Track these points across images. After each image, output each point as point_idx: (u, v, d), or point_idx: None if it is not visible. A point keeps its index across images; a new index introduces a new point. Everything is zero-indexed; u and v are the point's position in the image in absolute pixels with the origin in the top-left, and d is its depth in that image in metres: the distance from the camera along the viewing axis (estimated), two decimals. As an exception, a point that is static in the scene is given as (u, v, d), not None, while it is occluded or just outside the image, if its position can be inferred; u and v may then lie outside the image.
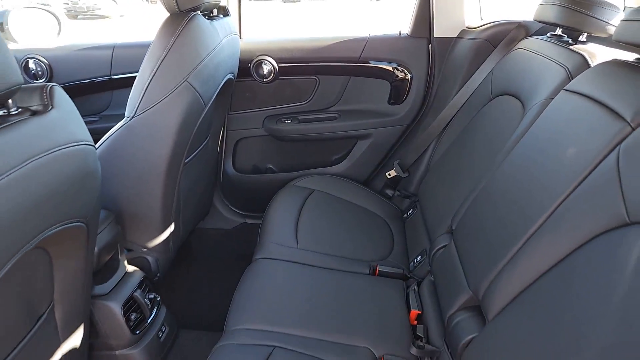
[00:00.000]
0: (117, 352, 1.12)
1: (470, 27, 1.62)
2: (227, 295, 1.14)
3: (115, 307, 1.07)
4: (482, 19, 1.68)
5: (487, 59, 1.48)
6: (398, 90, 1.76)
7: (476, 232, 0.99)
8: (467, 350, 0.85)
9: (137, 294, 1.14)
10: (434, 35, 1.66)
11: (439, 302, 1.04)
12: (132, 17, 12.33)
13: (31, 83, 0.68)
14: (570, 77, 1.04)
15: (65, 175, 0.65)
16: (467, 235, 1.03)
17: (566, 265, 0.71)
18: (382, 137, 1.79)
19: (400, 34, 1.75)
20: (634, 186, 0.66)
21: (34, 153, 0.59)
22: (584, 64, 1.04)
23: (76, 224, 0.72)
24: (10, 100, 0.60)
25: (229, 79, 1.43)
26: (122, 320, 1.08)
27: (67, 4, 11.45)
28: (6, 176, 0.54)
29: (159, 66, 1.06)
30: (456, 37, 1.64)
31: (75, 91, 1.70)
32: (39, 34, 1.75)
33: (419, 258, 1.29)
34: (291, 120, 1.79)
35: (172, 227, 1.29)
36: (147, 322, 1.17)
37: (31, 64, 1.70)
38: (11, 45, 1.58)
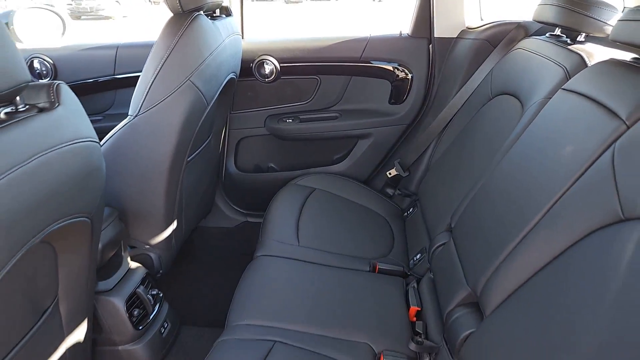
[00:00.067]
0: (120, 348, 1.13)
1: (470, 27, 1.64)
2: (228, 292, 1.15)
3: (119, 302, 1.09)
4: (482, 19, 1.69)
5: (487, 59, 1.49)
6: (399, 90, 1.77)
7: (474, 230, 1.00)
8: (465, 346, 0.86)
9: (140, 290, 1.15)
10: (434, 36, 1.67)
11: (438, 299, 1.06)
12: (135, 18, 12.38)
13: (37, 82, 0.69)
14: (568, 76, 1.05)
15: (71, 171, 0.67)
16: (466, 232, 1.04)
17: (561, 261, 0.73)
18: (382, 136, 1.80)
19: (400, 34, 1.76)
20: (629, 183, 0.67)
21: (41, 149, 0.60)
22: (582, 63, 1.05)
23: (81, 219, 0.73)
24: (18, 98, 0.61)
25: (231, 78, 1.45)
26: (125, 315, 1.10)
27: (71, 4, 11.52)
28: (14, 170, 0.55)
29: (162, 65, 1.07)
30: (456, 37, 1.65)
31: (79, 90, 1.71)
32: (44, 34, 1.77)
33: (418, 256, 1.30)
34: (293, 120, 1.80)
35: (174, 225, 1.31)
36: (149, 318, 1.19)
37: (36, 64, 1.71)
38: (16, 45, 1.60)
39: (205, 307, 1.58)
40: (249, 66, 1.72)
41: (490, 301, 0.83)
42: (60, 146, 0.64)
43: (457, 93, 1.55)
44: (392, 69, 1.75)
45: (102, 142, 1.12)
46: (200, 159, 1.45)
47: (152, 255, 1.27)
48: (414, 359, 0.96)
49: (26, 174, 0.57)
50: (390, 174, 1.75)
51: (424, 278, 1.18)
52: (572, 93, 0.93)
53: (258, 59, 1.73)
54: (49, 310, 0.79)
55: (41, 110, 0.65)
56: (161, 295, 1.26)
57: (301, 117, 1.81)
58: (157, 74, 1.07)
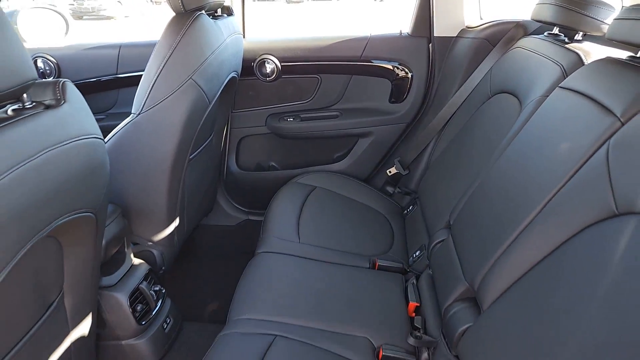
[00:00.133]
0: (123, 342, 1.15)
1: (469, 26, 1.65)
2: (230, 289, 1.16)
3: (122, 297, 1.11)
4: (481, 19, 1.70)
5: (486, 57, 1.50)
6: (399, 89, 1.78)
7: (472, 226, 1.01)
8: (462, 340, 0.87)
9: (143, 285, 1.17)
10: (434, 35, 1.68)
11: (436, 294, 1.07)
12: (137, 18, 12.41)
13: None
14: (565, 74, 1.06)
15: (76, 167, 0.68)
16: (464, 229, 1.05)
17: (556, 256, 0.74)
18: (383, 135, 1.82)
19: (401, 33, 1.77)
20: (623, 179, 0.68)
21: (48, 144, 0.62)
22: (579, 61, 1.07)
23: (86, 214, 0.75)
24: (25, 95, 0.63)
25: (233, 77, 1.46)
26: (129, 310, 1.11)
27: (73, 4, 11.55)
28: (23, 165, 0.57)
29: (165, 64, 1.09)
30: (456, 37, 1.67)
31: (82, 89, 1.71)
32: (47, 33, 1.78)
33: (418, 253, 1.31)
34: (293, 119, 1.82)
35: (177, 222, 1.32)
36: (152, 313, 1.20)
37: (40, 63, 1.73)
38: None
39: (207, 304, 1.60)
40: (250, 65, 1.74)
41: (487, 296, 0.85)
42: (66, 142, 0.66)
43: (456, 92, 1.56)
44: (392, 68, 1.77)
45: (105, 140, 1.13)
46: (202, 157, 1.46)
47: (155, 252, 1.28)
48: (412, 354, 0.97)
49: (34, 169, 0.59)
50: (390, 172, 1.76)
51: (423, 274, 1.19)
52: (569, 91, 0.94)
53: (259, 58, 1.74)
54: (55, 303, 0.81)
55: (47, 107, 0.66)
56: (164, 291, 1.28)
57: (302, 116, 1.83)
58: (160, 73, 1.09)
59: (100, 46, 1.77)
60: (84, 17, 11.80)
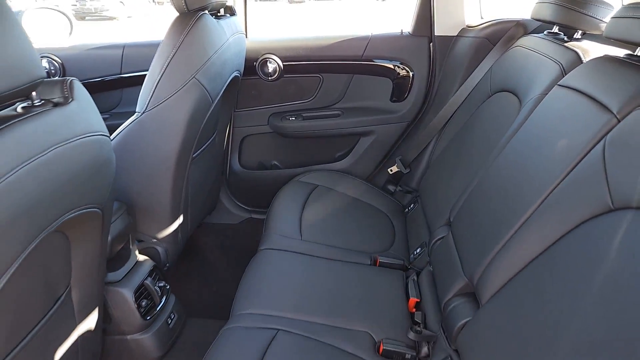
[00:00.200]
0: (128, 337, 1.17)
1: (470, 25, 1.66)
2: (232, 286, 1.18)
3: (127, 293, 1.12)
4: (482, 18, 1.71)
5: (487, 56, 1.52)
6: (400, 88, 1.80)
7: (472, 223, 1.03)
8: (461, 334, 0.89)
9: (148, 281, 1.19)
10: (435, 34, 1.70)
11: (436, 290, 1.08)
12: (139, 19, 12.44)
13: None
14: (564, 72, 1.07)
15: (84, 163, 0.70)
16: (464, 226, 1.07)
17: (553, 251, 0.75)
18: (384, 134, 1.83)
19: (402, 32, 1.79)
20: (618, 175, 0.70)
21: (56, 141, 0.64)
22: (577, 60, 1.08)
23: (93, 209, 0.77)
24: (34, 93, 0.65)
25: (235, 76, 1.48)
26: (134, 306, 1.13)
27: (75, 5, 11.59)
28: (33, 161, 0.59)
29: (168, 63, 1.11)
30: (456, 36, 1.68)
31: (87, 89, 1.75)
32: (52, 33, 1.81)
33: (418, 250, 1.32)
34: (295, 118, 1.83)
35: (180, 220, 1.34)
36: (157, 309, 1.22)
37: (44, 63, 1.75)
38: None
39: (210, 300, 1.62)
40: (253, 65, 1.75)
41: (485, 291, 0.86)
42: (74, 139, 0.67)
43: (457, 90, 1.57)
44: (393, 67, 1.78)
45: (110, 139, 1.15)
46: (206, 156, 1.48)
47: (159, 248, 1.30)
48: (412, 348, 0.99)
49: (43, 165, 0.61)
50: (391, 170, 1.77)
51: (424, 271, 1.20)
52: (567, 89, 0.95)
53: (261, 58, 1.76)
54: (62, 297, 0.83)
55: (56, 105, 0.68)
56: (168, 287, 1.30)
57: (304, 115, 1.84)
58: (164, 72, 1.11)
59: (104, 46, 1.79)
60: (87, 18, 11.84)
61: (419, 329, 1.01)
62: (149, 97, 1.12)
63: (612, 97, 0.81)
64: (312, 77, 1.82)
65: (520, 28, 1.48)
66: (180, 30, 1.13)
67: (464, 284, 0.95)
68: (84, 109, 0.72)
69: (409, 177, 1.72)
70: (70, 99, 0.70)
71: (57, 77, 1.76)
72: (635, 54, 0.90)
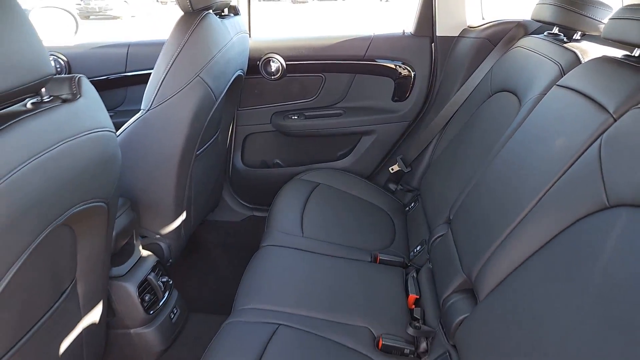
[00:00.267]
0: (132, 331, 1.18)
1: (471, 26, 1.67)
2: (234, 282, 1.20)
3: (131, 287, 1.14)
4: (483, 18, 1.73)
5: (487, 57, 1.53)
6: (401, 88, 1.81)
7: (471, 220, 1.04)
8: (459, 329, 0.90)
9: (151, 276, 1.20)
10: (437, 34, 1.71)
11: (435, 287, 1.10)
12: (143, 18, 12.49)
13: None
14: (562, 73, 1.08)
15: (91, 157, 0.72)
16: (463, 223, 1.08)
17: (550, 248, 0.77)
18: (385, 133, 1.84)
19: (404, 33, 1.80)
20: (614, 173, 0.71)
21: (65, 136, 0.65)
22: (576, 60, 1.09)
23: (98, 203, 0.79)
24: (43, 89, 0.67)
25: (239, 75, 1.49)
26: (137, 300, 1.15)
27: (79, 4, 11.62)
28: (42, 155, 0.60)
29: (173, 62, 1.12)
30: (458, 36, 1.69)
31: None
32: (57, 32, 1.83)
33: (418, 247, 1.34)
34: (298, 117, 1.85)
35: (183, 216, 1.36)
36: (160, 303, 1.24)
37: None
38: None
39: (212, 296, 1.63)
40: (256, 64, 1.77)
41: (483, 287, 0.88)
42: (82, 134, 0.69)
43: (458, 90, 1.59)
44: (395, 67, 1.79)
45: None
46: (209, 154, 1.50)
47: (162, 244, 1.32)
48: (411, 343, 1.00)
49: (52, 159, 0.63)
50: (392, 169, 1.79)
51: (423, 268, 1.22)
52: (565, 89, 0.97)
53: (264, 57, 1.77)
54: (68, 290, 0.85)
55: (64, 101, 0.70)
56: (171, 282, 1.31)
57: (306, 114, 1.86)
58: (169, 70, 1.13)
59: (109, 45, 1.81)
60: (91, 17, 11.88)
61: (417, 324, 1.03)
62: (154, 94, 1.14)
63: (609, 97, 0.83)
64: (314, 76, 1.84)
65: (520, 29, 1.49)
66: (185, 30, 1.15)
67: (462, 281, 0.97)
68: (91, 105, 0.74)
69: (410, 176, 1.74)
70: (79, 96, 0.72)
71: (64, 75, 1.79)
72: (632, 54, 0.92)
